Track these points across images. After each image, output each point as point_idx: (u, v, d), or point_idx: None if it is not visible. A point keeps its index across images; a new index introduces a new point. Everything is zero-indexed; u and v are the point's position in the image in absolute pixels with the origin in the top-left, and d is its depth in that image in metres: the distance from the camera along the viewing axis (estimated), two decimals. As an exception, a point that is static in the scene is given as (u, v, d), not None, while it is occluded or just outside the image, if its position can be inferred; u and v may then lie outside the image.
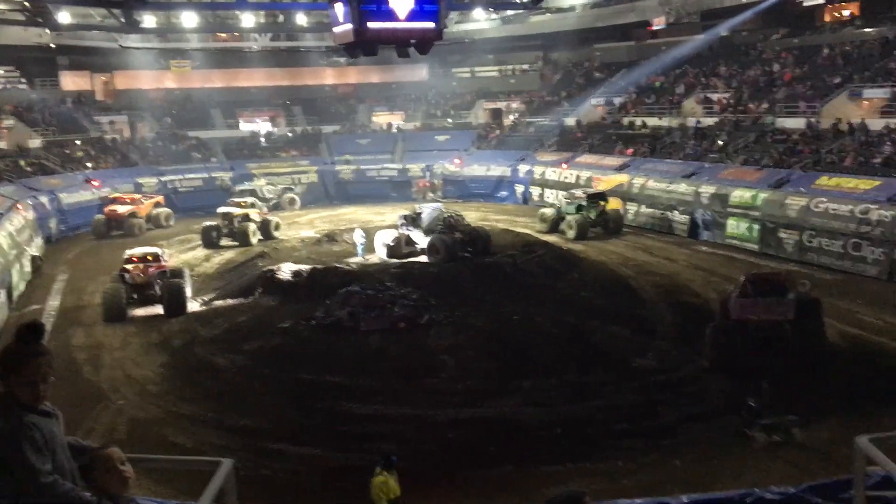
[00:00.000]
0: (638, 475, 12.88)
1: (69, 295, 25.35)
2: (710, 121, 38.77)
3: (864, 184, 26.43)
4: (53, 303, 24.49)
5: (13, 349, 3.46)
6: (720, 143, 35.56)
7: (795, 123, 34.02)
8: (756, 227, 28.86)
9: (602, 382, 16.78)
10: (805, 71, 37.92)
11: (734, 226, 29.90)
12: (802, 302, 17.28)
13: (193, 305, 23.43)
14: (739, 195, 29.81)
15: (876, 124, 30.67)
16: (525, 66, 57.33)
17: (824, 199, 26.48)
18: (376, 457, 9.86)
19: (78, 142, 44.78)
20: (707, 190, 31.52)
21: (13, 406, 3.37)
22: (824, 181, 27.91)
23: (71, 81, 50.09)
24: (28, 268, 27.60)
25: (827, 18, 43.68)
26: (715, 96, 40.53)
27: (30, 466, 3.26)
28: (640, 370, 17.56)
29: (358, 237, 29.80)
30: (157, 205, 39.02)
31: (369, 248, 29.59)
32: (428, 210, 29.58)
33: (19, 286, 25.58)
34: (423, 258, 27.82)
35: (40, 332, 3.53)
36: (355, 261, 28.36)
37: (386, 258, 28.37)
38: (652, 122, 41.88)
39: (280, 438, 14.59)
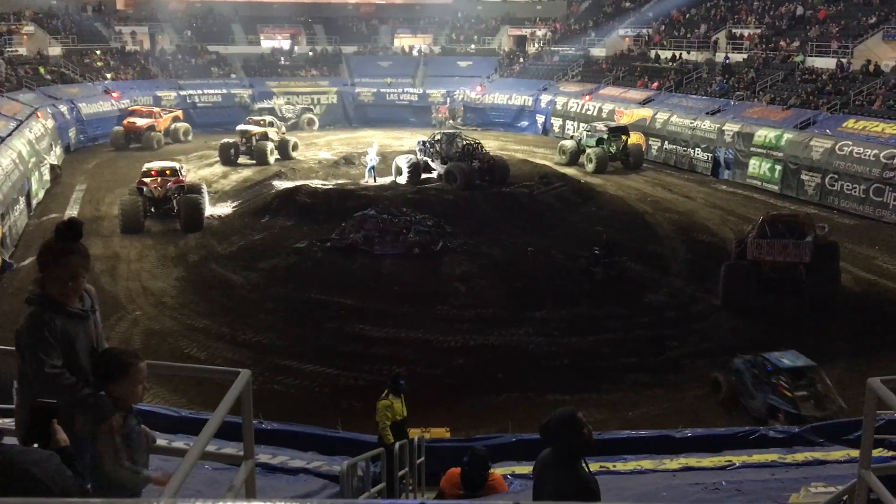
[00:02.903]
0: (643, 408, 13.06)
1: (87, 205, 25.53)
2: (738, 57, 37.93)
3: (890, 128, 25.89)
4: (72, 212, 24.64)
5: (49, 245, 3.56)
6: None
7: (826, 63, 33.23)
8: (778, 167, 28.47)
9: (613, 316, 16.90)
10: (839, 9, 36.87)
11: (756, 165, 29.51)
12: (819, 245, 17.17)
13: (210, 221, 23.57)
14: (764, 135, 29.32)
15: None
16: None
17: (849, 143, 26.01)
18: (384, 378, 9.99)
19: (98, 51, 44.44)
20: (731, 128, 30.99)
21: (40, 302, 3.49)
22: (850, 124, 27.38)
23: (92, -12, 49.34)
24: (47, 176, 27.76)
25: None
26: (745, 32, 39.56)
27: (35, 357, 3.43)
28: (651, 306, 17.66)
29: (371, 156, 29.52)
30: (175, 119, 38.82)
31: (386, 172, 29.45)
32: (447, 137, 29.33)
33: (38, 194, 25.79)
34: (441, 184, 27.73)
35: (78, 230, 3.57)
36: (366, 183, 28.50)
37: (402, 182, 28.26)
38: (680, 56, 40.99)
39: (291, 355, 14.86)
